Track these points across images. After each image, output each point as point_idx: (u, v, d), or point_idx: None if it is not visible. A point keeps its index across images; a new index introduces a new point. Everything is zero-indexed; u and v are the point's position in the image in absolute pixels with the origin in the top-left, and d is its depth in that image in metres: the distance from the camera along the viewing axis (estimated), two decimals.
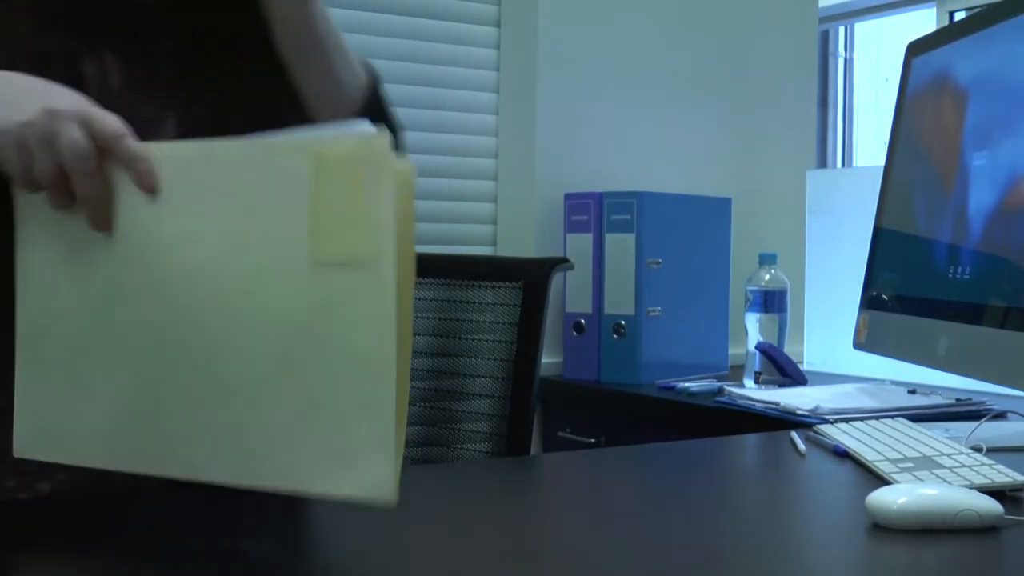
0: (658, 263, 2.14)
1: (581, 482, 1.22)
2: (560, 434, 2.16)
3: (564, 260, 1.54)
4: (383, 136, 0.79)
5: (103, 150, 0.87)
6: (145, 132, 0.91)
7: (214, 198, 0.85)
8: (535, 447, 2.20)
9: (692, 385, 1.99)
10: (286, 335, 0.82)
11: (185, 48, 1.12)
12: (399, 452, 0.78)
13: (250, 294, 0.83)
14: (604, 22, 2.36)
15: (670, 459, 1.22)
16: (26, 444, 0.94)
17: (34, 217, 0.91)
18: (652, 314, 2.13)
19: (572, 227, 2.19)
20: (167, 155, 0.88)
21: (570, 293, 2.20)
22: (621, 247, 2.13)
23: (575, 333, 2.19)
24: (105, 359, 0.90)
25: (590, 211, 2.17)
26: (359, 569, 0.82)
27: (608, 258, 2.15)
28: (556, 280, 2.17)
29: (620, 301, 2.14)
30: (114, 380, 0.89)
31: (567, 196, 2.21)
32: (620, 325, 2.13)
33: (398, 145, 1.19)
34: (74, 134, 0.86)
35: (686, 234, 2.21)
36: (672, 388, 2.01)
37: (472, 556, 0.87)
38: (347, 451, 0.79)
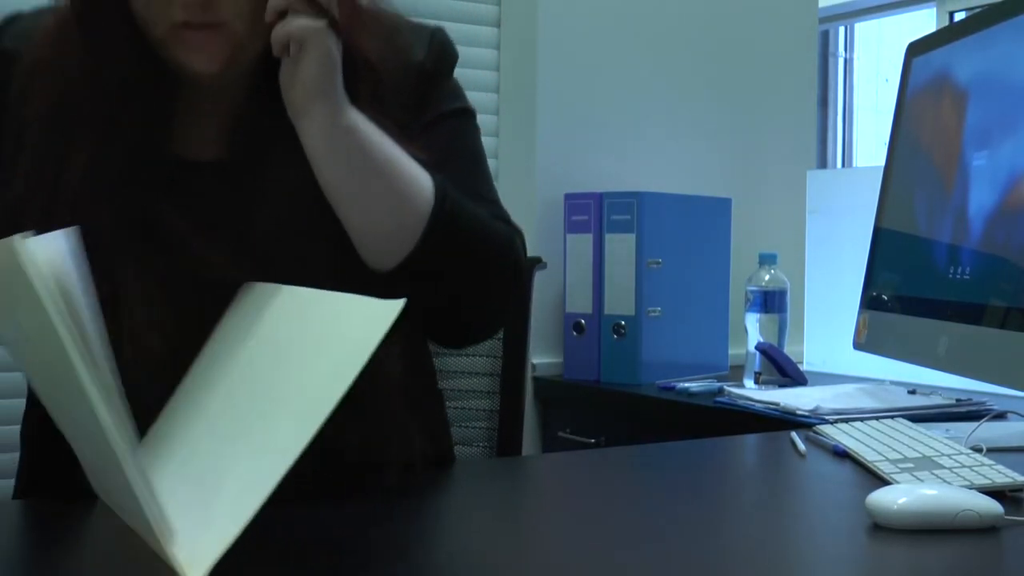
0: (658, 263, 2.14)
1: (581, 482, 1.22)
2: (560, 434, 2.16)
3: (538, 259, 1.56)
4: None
5: None
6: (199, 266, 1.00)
7: None
8: (535, 447, 2.20)
9: (692, 385, 1.99)
10: None
11: (234, 194, 1.11)
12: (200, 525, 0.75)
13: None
14: (604, 22, 2.36)
15: (670, 459, 1.22)
16: None
17: None
18: (652, 314, 2.13)
19: (572, 227, 2.19)
20: None
21: (570, 293, 2.20)
22: (621, 247, 2.13)
23: (575, 333, 2.19)
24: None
25: (590, 211, 2.16)
26: (356, 568, 0.82)
27: (608, 258, 2.15)
28: (556, 280, 2.18)
29: (620, 301, 2.13)
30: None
31: (567, 196, 2.20)
32: (620, 325, 2.13)
33: (509, 257, 1.16)
34: None
35: (686, 234, 2.21)
36: (672, 388, 2.01)
37: (471, 556, 0.87)
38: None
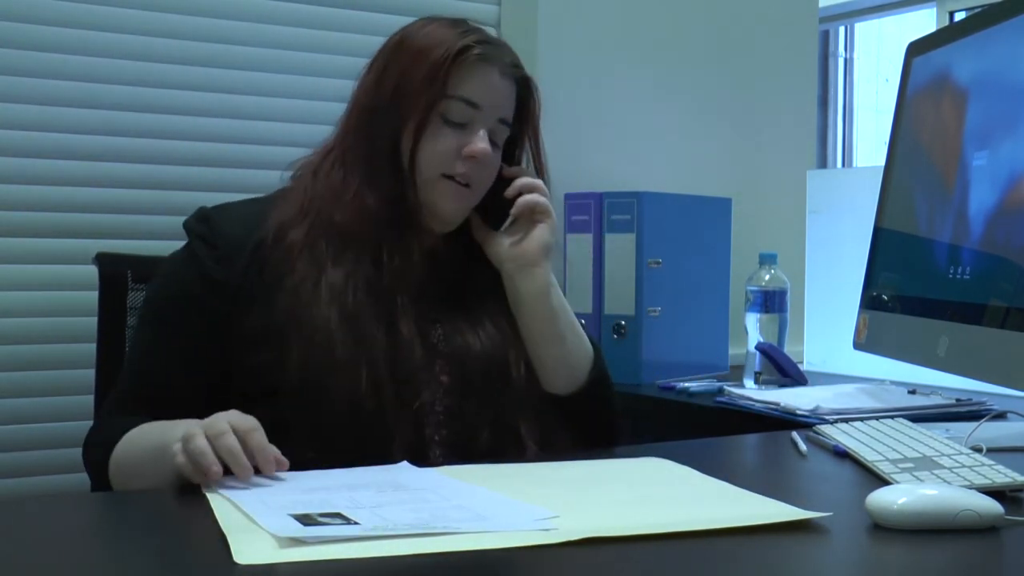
0: (658, 263, 2.14)
1: None
2: None
3: None
4: None
5: None
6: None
7: None
8: None
9: (692, 385, 1.98)
10: None
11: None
12: None
13: None
14: (604, 22, 2.36)
15: (670, 459, 1.22)
16: None
17: None
18: (652, 314, 2.13)
19: (572, 227, 2.19)
20: None
21: (570, 293, 2.19)
22: (621, 247, 2.13)
23: None
24: None
25: (590, 211, 2.16)
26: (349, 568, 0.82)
27: (608, 258, 2.15)
28: (556, 280, 2.18)
29: (620, 301, 2.13)
30: None
31: (567, 196, 2.20)
32: (620, 325, 2.13)
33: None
34: None
35: (686, 234, 2.21)
36: (672, 388, 2.01)
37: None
38: None
